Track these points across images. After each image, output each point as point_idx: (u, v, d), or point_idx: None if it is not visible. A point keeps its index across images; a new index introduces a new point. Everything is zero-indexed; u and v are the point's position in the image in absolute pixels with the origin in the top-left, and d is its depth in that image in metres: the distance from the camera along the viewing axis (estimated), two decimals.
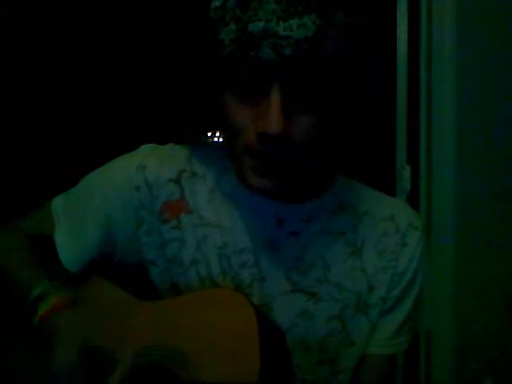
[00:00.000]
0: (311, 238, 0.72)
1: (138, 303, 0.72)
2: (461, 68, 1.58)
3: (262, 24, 0.55)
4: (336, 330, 0.72)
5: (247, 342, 0.64)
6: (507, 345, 1.54)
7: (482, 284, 1.57)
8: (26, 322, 0.68)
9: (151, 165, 0.73)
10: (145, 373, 0.67)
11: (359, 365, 0.75)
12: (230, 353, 0.64)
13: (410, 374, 1.58)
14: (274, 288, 0.71)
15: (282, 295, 0.71)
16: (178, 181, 0.74)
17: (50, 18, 1.89)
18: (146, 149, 0.76)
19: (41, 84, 1.89)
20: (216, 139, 0.86)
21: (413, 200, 1.66)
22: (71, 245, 0.75)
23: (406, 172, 1.70)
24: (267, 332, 0.66)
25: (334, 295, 0.72)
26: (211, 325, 0.66)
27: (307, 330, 0.71)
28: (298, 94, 0.59)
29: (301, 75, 0.58)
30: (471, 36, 1.57)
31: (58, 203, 0.78)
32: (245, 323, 0.65)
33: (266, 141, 0.59)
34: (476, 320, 1.57)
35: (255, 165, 0.62)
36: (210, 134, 0.92)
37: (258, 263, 0.71)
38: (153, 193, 0.73)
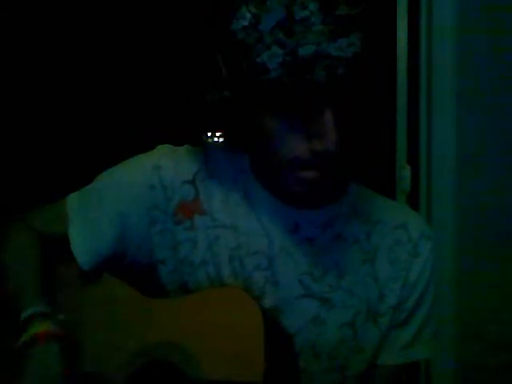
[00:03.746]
0: (326, 245, 0.72)
1: (147, 301, 0.72)
2: (461, 68, 1.58)
3: (313, 47, 0.55)
4: (347, 338, 0.72)
5: (253, 343, 0.64)
6: (508, 347, 1.54)
7: (483, 284, 1.57)
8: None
9: (167, 165, 0.73)
10: (151, 370, 0.68)
11: (368, 370, 0.75)
12: (235, 353, 0.65)
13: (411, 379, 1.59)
14: (287, 292, 0.71)
15: (294, 300, 0.71)
16: (193, 182, 0.74)
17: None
18: (162, 149, 0.76)
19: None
20: (216, 139, 0.86)
21: (413, 200, 1.66)
22: (85, 242, 0.75)
23: (406, 172, 1.70)
24: (274, 334, 0.66)
25: (347, 302, 0.72)
26: (218, 324, 0.66)
27: (318, 337, 0.71)
28: (346, 109, 0.60)
29: (351, 91, 0.59)
30: (471, 36, 1.57)
31: (72, 200, 0.78)
32: (251, 324, 0.65)
33: (322, 158, 0.61)
34: (477, 320, 1.57)
35: (303, 176, 0.64)
36: (209, 134, 0.92)
37: (272, 266, 0.71)
38: (167, 194, 0.73)
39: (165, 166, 0.73)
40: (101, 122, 1.94)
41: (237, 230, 0.72)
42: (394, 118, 1.72)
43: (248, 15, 0.58)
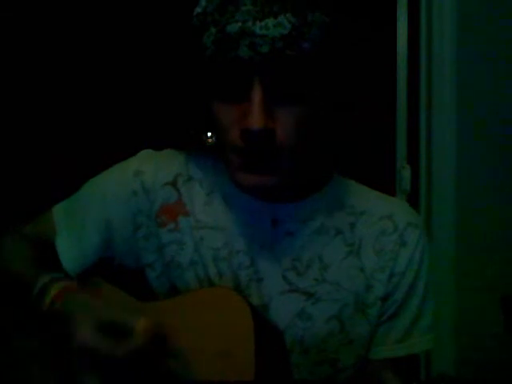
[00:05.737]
0: (307, 238, 0.72)
1: (137, 303, 0.72)
2: (461, 68, 1.58)
3: (239, 25, 0.57)
4: (335, 331, 0.72)
5: (243, 342, 0.64)
6: (507, 345, 1.54)
7: (482, 284, 1.57)
8: (33, 311, 0.67)
9: (148, 170, 0.75)
10: (141, 371, 0.68)
11: (361, 362, 0.74)
12: (225, 352, 0.64)
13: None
14: (271, 288, 0.71)
15: (279, 295, 0.71)
16: (174, 184, 0.75)
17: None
18: (143, 154, 0.78)
19: (42, 88, 1.90)
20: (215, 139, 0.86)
21: (413, 200, 1.66)
22: (72, 250, 0.76)
23: (406, 172, 1.70)
24: (264, 331, 0.66)
25: (333, 295, 0.72)
26: (207, 324, 0.66)
27: (306, 331, 0.71)
28: (279, 90, 0.60)
29: (279, 72, 0.59)
30: (471, 36, 1.58)
31: (58, 209, 0.79)
32: (241, 322, 0.65)
33: (248, 138, 0.60)
34: (476, 319, 1.57)
35: (241, 162, 0.63)
36: (209, 134, 0.92)
37: (255, 264, 0.72)
38: (150, 197, 0.74)
39: (146, 170, 0.74)
40: (99, 123, 1.94)
41: (219, 230, 0.73)
42: (393, 118, 1.72)
43: (203, 3, 0.61)
